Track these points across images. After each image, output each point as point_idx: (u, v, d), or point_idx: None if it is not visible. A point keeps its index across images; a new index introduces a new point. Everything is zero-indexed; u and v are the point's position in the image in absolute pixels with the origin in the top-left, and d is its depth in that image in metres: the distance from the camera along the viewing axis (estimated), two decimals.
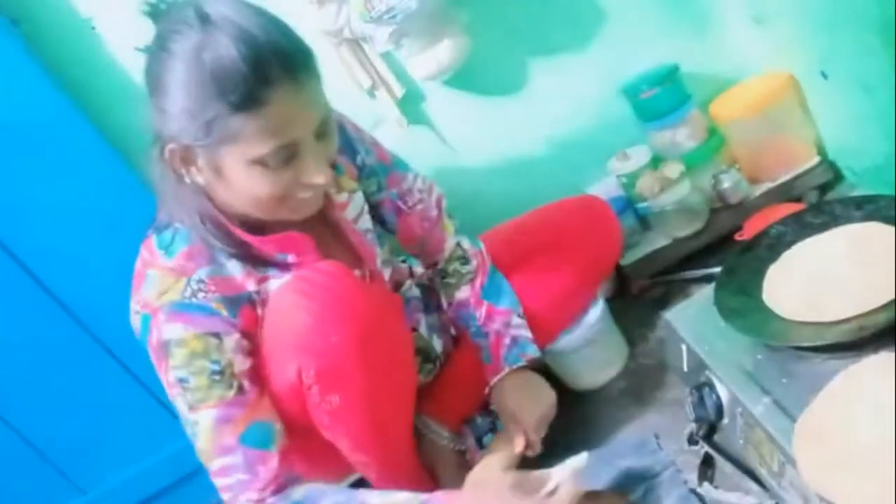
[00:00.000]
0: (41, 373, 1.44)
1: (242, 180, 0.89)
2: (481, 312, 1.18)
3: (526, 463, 1.04)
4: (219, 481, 0.95)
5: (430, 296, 1.26)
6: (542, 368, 1.21)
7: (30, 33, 1.32)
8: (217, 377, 0.92)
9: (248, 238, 0.96)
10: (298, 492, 0.96)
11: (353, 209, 1.10)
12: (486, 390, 1.16)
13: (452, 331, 1.28)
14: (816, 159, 1.47)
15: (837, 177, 1.49)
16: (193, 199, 0.94)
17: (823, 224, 0.97)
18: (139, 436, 1.52)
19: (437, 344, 1.24)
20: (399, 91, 1.48)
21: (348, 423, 1.00)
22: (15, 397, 1.45)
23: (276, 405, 0.98)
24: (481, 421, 1.31)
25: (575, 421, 1.27)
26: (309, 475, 1.24)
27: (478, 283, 1.19)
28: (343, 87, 1.46)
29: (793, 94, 1.44)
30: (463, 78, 1.49)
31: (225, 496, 0.95)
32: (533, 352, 1.15)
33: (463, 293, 1.20)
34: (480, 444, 1.29)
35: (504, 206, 1.46)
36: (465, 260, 1.21)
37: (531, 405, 1.10)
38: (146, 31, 0.88)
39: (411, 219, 1.18)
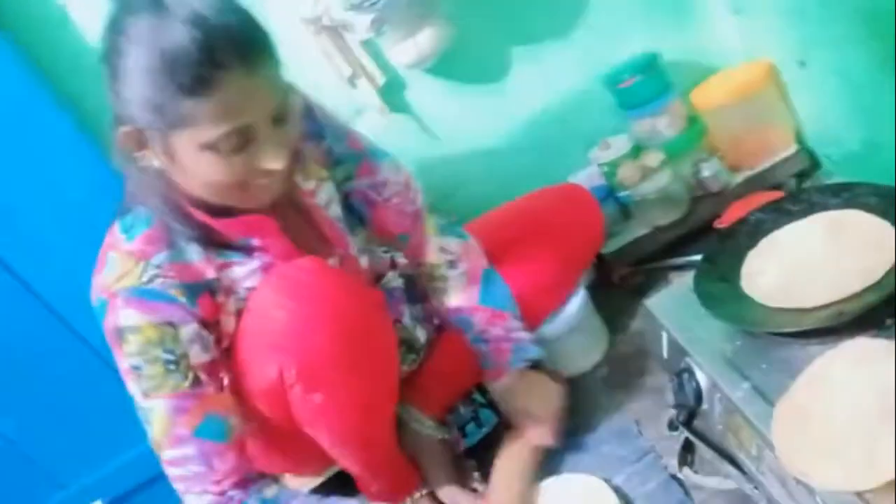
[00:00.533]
0: (18, 368, 1.42)
1: (195, 165, 0.87)
2: (480, 318, 1.16)
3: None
4: (171, 471, 0.94)
5: (414, 286, 1.25)
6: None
7: (5, 23, 1.29)
8: (172, 367, 0.90)
9: (209, 221, 0.95)
10: (270, 490, 0.96)
11: (324, 196, 1.08)
12: (488, 391, 1.19)
13: (435, 321, 1.28)
14: (795, 147, 1.48)
15: (815, 164, 1.50)
16: (153, 182, 0.92)
17: (802, 211, 0.98)
18: (118, 430, 1.50)
19: (421, 334, 1.23)
20: (380, 79, 1.47)
21: (331, 420, 1.00)
22: None
23: (257, 403, 0.98)
24: (464, 410, 1.31)
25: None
26: (290, 469, 1.24)
27: (473, 288, 1.18)
28: (323, 76, 1.44)
29: (772, 83, 1.45)
30: (444, 66, 1.48)
31: (178, 486, 0.94)
32: (535, 354, 1.16)
33: (457, 299, 1.18)
34: (463, 433, 1.30)
35: (486, 195, 1.46)
36: (452, 263, 1.19)
37: (542, 401, 1.12)
38: None
39: (385, 212, 1.15)
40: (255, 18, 0.86)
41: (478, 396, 1.33)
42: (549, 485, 1.08)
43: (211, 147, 0.84)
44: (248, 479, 0.96)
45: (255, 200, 0.93)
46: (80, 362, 1.43)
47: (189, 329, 0.92)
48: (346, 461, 1.11)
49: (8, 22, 1.30)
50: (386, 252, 1.21)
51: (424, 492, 1.16)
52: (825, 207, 0.96)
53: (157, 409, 0.91)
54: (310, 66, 1.42)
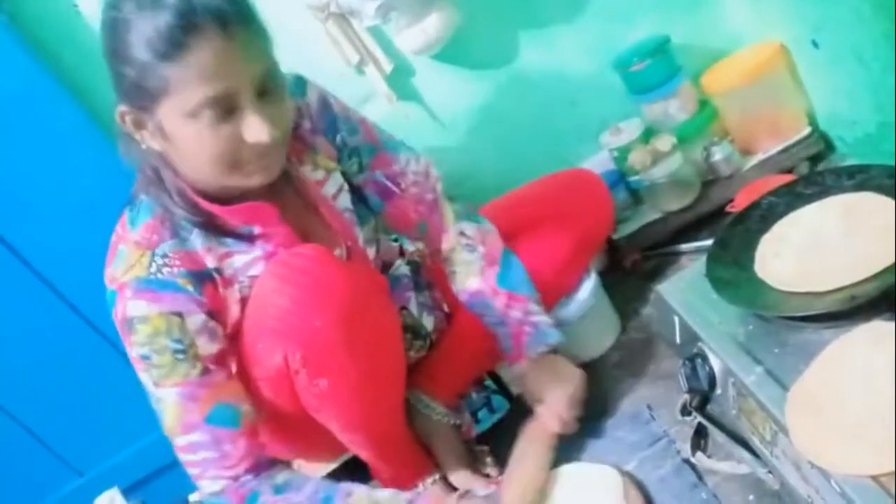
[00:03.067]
0: (35, 357, 1.44)
1: (184, 139, 0.87)
2: (499, 301, 1.13)
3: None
4: (185, 457, 0.95)
5: (420, 273, 1.25)
6: None
7: (13, 14, 1.30)
8: (180, 356, 0.91)
9: (211, 207, 0.95)
10: (281, 476, 0.97)
11: (332, 187, 1.09)
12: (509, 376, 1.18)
13: (446, 308, 1.28)
14: (808, 130, 1.47)
15: (829, 147, 1.49)
16: (155, 168, 0.94)
17: (815, 194, 0.97)
18: (134, 417, 1.52)
19: (428, 321, 1.23)
20: (388, 66, 1.47)
21: (338, 405, 1.00)
22: (10, 382, 1.45)
23: (264, 390, 0.99)
24: (476, 396, 1.32)
25: None
26: (302, 455, 1.25)
27: (492, 271, 1.15)
28: (331, 63, 1.44)
29: (784, 65, 1.44)
30: (452, 52, 1.47)
31: (191, 471, 0.95)
32: (555, 338, 1.13)
33: (476, 283, 1.15)
34: (476, 419, 1.31)
35: (495, 181, 1.46)
36: (471, 247, 1.16)
37: (560, 387, 1.10)
38: None
39: (404, 202, 1.15)
40: None
41: (490, 383, 1.34)
42: (562, 472, 1.09)
43: (193, 115, 0.85)
44: (261, 465, 0.97)
45: (250, 180, 0.93)
46: (96, 352, 1.44)
47: (196, 319, 0.93)
48: (356, 447, 1.12)
49: (17, 15, 1.31)
50: (395, 240, 1.21)
51: (437, 477, 1.17)
52: (839, 190, 0.95)
53: (168, 398, 0.92)
54: (317, 54, 1.42)
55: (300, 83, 1.08)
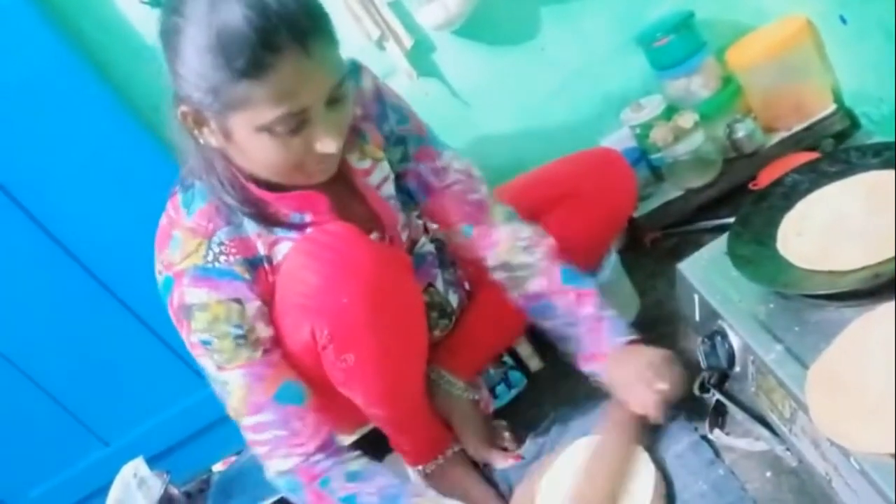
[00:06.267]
0: (63, 330, 1.47)
1: (252, 147, 0.87)
2: (568, 299, 1.08)
3: None
4: (252, 437, 0.96)
5: (445, 251, 1.26)
6: None
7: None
8: (241, 341, 0.93)
9: (265, 195, 0.96)
10: (355, 464, 0.98)
11: (378, 176, 1.08)
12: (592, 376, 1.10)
13: (467, 286, 1.29)
14: (833, 107, 1.44)
15: (854, 124, 1.47)
16: (210, 158, 0.93)
17: (839, 172, 0.96)
18: (159, 389, 1.56)
19: (453, 299, 1.24)
20: (408, 42, 1.46)
21: (363, 379, 1.02)
22: (39, 354, 1.49)
23: (291, 364, 1.00)
24: (494, 372, 1.33)
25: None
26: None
27: (555, 269, 1.09)
28: (351, 39, 1.44)
29: (809, 40, 1.41)
30: (473, 27, 1.47)
31: (259, 450, 0.97)
32: (631, 333, 1.07)
33: (541, 283, 1.09)
34: (494, 394, 1.32)
35: (517, 158, 1.45)
36: (527, 249, 1.11)
37: (653, 372, 1.00)
38: None
39: (445, 198, 1.12)
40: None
41: (507, 359, 1.35)
42: (580, 445, 1.09)
43: (267, 129, 0.84)
44: (329, 444, 0.98)
45: (311, 179, 0.94)
46: (122, 326, 1.47)
47: (253, 305, 0.94)
48: (379, 420, 1.14)
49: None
50: (419, 217, 1.22)
51: (456, 449, 1.19)
52: (864, 168, 0.94)
53: (233, 380, 0.94)
54: (338, 29, 1.41)
55: (355, 68, 1.06)
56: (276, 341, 0.97)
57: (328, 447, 0.98)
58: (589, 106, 1.58)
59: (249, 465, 1.42)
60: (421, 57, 1.50)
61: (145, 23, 1.35)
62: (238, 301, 0.93)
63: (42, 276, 1.41)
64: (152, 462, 1.45)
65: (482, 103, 1.56)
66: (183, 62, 0.83)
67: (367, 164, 1.07)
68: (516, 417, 1.28)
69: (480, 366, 1.30)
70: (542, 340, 1.26)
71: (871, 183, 0.91)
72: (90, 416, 1.58)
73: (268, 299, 0.97)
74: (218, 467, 1.64)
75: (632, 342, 1.06)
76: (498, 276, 1.13)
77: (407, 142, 1.11)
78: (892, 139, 0.97)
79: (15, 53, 1.28)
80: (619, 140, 1.52)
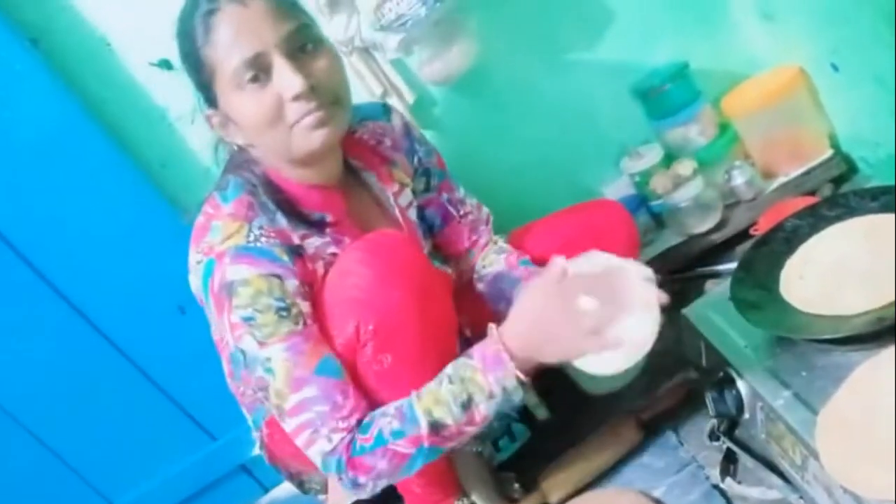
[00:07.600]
0: (66, 385, 1.46)
1: (237, 113, 0.96)
2: (519, 272, 1.18)
3: None
4: (296, 420, 0.93)
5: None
6: (557, 369, 1.19)
7: (48, 52, 1.34)
8: (283, 314, 0.93)
9: (292, 188, 1.02)
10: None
11: (404, 200, 1.16)
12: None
13: (468, 332, 1.28)
14: (830, 152, 1.46)
15: (852, 169, 1.48)
16: (241, 159, 1.03)
17: (839, 216, 0.97)
18: (163, 445, 1.54)
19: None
20: (410, 97, 1.49)
21: (396, 384, 0.98)
22: (41, 410, 1.48)
23: None
24: (496, 425, 1.31)
25: (596, 422, 1.27)
26: None
27: (515, 257, 1.21)
28: (355, 95, 1.45)
29: (804, 87, 1.44)
30: (473, 81, 1.49)
31: (304, 435, 0.93)
32: None
33: (498, 265, 1.21)
34: (496, 448, 1.31)
35: (517, 209, 1.46)
36: (502, 249, 1.24)
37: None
38: (158, 48, 0.95)
39: (461, 228, 1.25)
40: None
41: (510, 412, 1.33)
42: (587, 499, 1.08)
43: (239, 86, 0.93)
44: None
45: (311, 140, 0.96)
46: (125, 380, 1.47)
47: (293, 283, 0.95)
48: None
49: (52, 52, 1.36)
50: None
51: (465, 501, 1.17)
52: (863, 212, 0.95)
53: (276, 356, 0.93)
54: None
55: (386, 109, 1.22)
56: (314, 318, 0.97)
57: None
58: (587, 155, 1.60)
59: None
60: (423, 111, 1.53)
61: (154, 83, 1.39)
62: (278, 276, 0.94)
63: (48, 331, 1.41)
64: None
65: (483, 153, 1.58)
66: (189, 70, 0.98)
67: (395, 187, 1.15)
68: (520, 470, 1.26)
69: None
70: (548, 390, 1.25)
71: (870, 226, 0.92)
72: (93, 474, 1.56)
73: (307, 283, 0.98)
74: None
75: None
76: (474, 278, 1.25)
77: (430, 174, 1.23)
78: (891, 183, 0.98)
79: (25, 112, 1.31)
80: (619, 188, 1.54)
